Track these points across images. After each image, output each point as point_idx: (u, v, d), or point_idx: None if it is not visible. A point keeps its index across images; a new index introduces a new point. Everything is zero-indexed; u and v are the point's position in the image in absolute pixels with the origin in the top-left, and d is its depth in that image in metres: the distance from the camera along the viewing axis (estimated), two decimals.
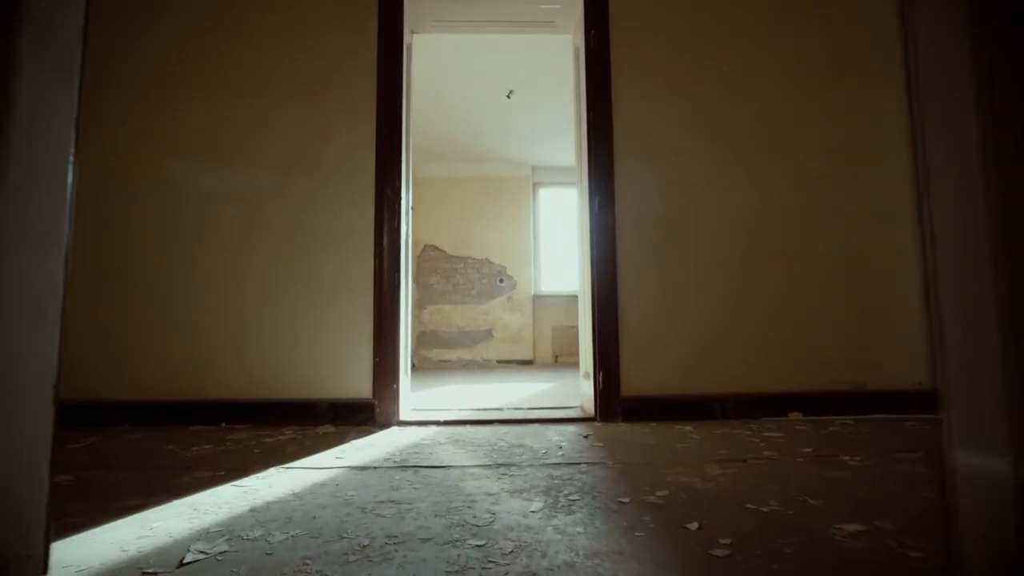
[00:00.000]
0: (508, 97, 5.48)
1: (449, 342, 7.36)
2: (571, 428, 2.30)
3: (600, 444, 1.96)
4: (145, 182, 2.51)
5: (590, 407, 2.53)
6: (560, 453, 1.82)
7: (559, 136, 6.69)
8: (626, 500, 1.31)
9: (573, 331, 7.44)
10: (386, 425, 2.38)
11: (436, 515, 1.22)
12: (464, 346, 7.36)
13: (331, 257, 2.48)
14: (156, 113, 2.54)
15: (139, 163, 2.52)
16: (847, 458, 1.68)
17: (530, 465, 1.66)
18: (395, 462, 1.73)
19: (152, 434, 2.19)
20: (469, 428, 2.32)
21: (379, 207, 2.49)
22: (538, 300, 7.54)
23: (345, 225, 2.50)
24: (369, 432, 2.25)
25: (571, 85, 5.45)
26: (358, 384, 2.43)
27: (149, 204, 2.50)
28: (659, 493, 1.36)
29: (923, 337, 2.57)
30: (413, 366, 7.03)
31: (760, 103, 2.64)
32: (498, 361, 7.33)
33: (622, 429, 2.25)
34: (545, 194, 7.84)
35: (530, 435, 2.15)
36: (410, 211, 2.71)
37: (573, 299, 7.51)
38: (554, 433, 2.19)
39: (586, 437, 2.10)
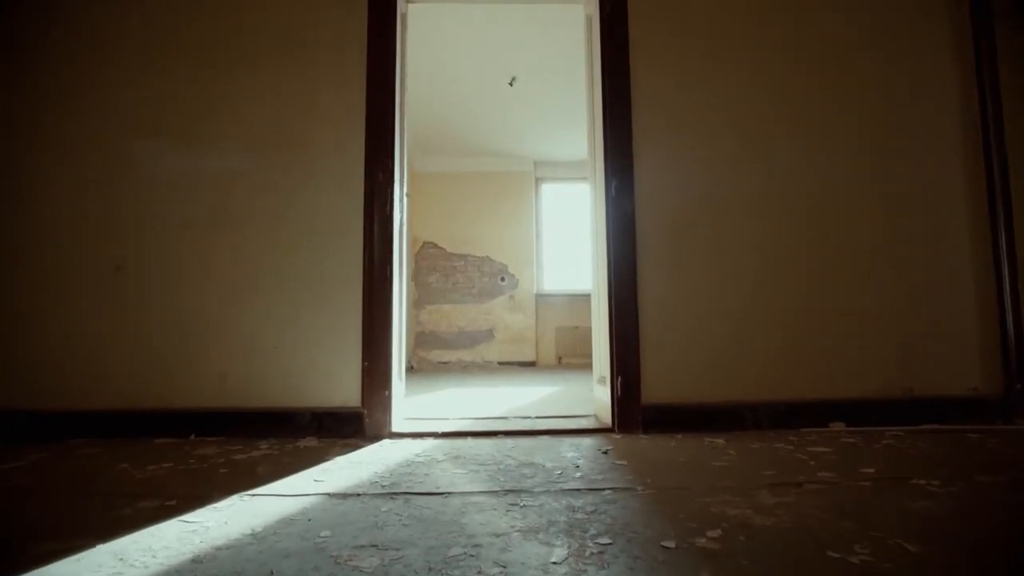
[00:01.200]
0: (510, 85, 5.21)
1: (449, 343, 7.08)
2: (587, 441, 2.02)
3: (623, 462, 1.69)
4: (101, 168, 2.24)
5: (606, 416, 2.25)
6: (578, 475, 1.55)
7: (563, 129, 6.42)
8: (671, 544, 1.03)
9: (577, 331, 7.17)
10: (376, 437, 2.10)
11: (430, 568, 0.95)
12: (464, 347, 7.09)
13: (314, 249, 2.21)
14: (111, 89, 2.27)
15: (94, 146, 2.24)
16: (923, 482, 1.41)
17: (544, 491, 1.39)
18: (383, 487, 1.46)
19: (109, 449, 1.92)
20: (470, 441, 2.05)
21: (369, 192, 2.21)
22: (541, 299, 7.27)
23: (330, 213, 2.22)
24: (357, 446, 1.97)
25: (577, 73, 5.20)
26: (345, 391, 2.15)
27: (106, 191, 2.23)
28: (710, 533, 1.08)
29: (977, 338, 2.30)
30: (411, 368, 6.76)
31: (801, 76, 2.36)
32: (499, 363, 7.06)
33: (644, 443, 1.98)
34: (548, 190, 7.57)
35: (541, 450, 1.88)
36: (405, 198, 2.44)
37: (577, 298, 7.24)
38: (568, 448, 1.92)
39: (605, 453, 1.83)
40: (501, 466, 1.67)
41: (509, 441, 2.04)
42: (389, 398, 2.15)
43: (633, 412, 2.15)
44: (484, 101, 5.68)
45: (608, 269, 2.24)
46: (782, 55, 2.36)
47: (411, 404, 3.05)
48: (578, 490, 1.40)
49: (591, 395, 3.36)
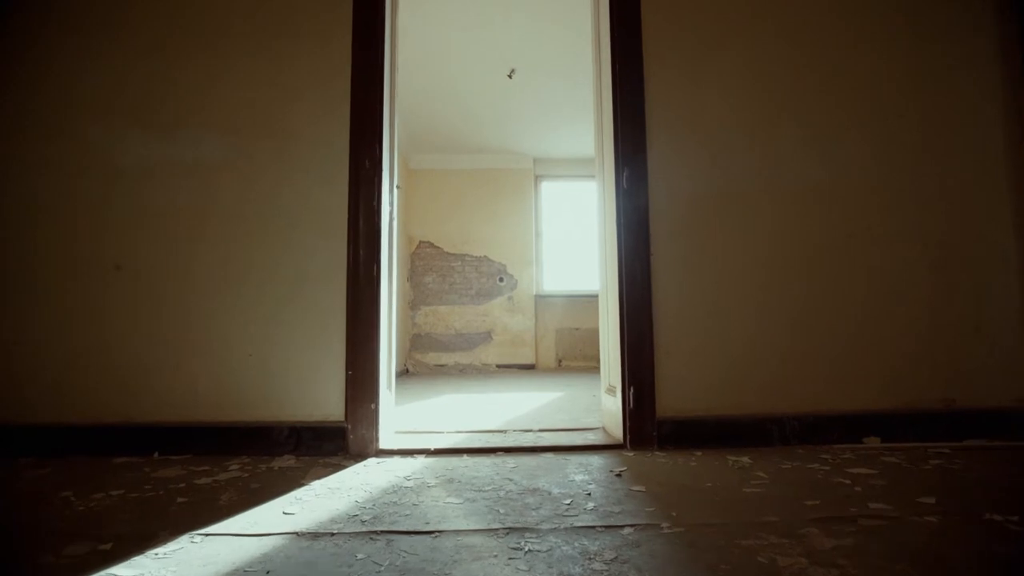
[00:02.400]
0: (509, 77, 5.00)
1: (445, 345, 6.87)
2: (596, 460, 1.81)
3: (640, 488, 1.47)
4: (58, 158, 2.01)
5: (616, 429, 2.04)
6: (591, 505, 1.33)
7: (564, 124, 6.21)
8: None
9: (578, 333, 6.96)
10: (361, 455, 1.89)
11: None
12: (461, 349, 6.88)
13: (293, 244, 1.99)
14: (75, 71, 2.05)
15: (55, 133, 2.02)
16: (998, 519, 1.20)
17: (552, 529, 1.18)
18: (363, 522, 1.24)
19: (60, 470, 1.70)
20: (467, 460, 1.83)
21: (354, 182, 2.00)
22: (541, 300, 7.06)
23: (311, 204, 2.00)
24: (338, 467, 1.76)
25: (579, 64, 4.99)
26: (327, 404, 1.94)
27: (66, 184, 2.00)
28: None
29: None
30: (406, 371, 6.54)
31: (830, 56, 2.15)
32: (498, 366, 6.84)
33: (661, 462, 1.77)
34: (548, 187, 7.36)
35: (546, 471, 1.66)
36: (395, 190, 2.22)
37: (577, 299, 7.03)
38: (576, 468, 1.70)
39: (619, 475, 1.62)
40: (501, 493, 1.45)
41: (510, 460, 1.82)
42: (376, 411, 1.93)
43: (647, 426, 1.94)
44: (482, 95, 5.46)
45: (619, 268, 2.03)
46: (817, 24, 2.15)
47: (403, 413, 2.83)
48: (592, 527, 1.18)
49: (595, 401, 3.15)
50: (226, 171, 2.01)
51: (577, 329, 7.03)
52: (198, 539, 1.14)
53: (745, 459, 1.78)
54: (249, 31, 2.07)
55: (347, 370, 1.92)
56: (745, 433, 1.97)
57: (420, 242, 7.04)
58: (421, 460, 1.84)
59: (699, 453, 1.87)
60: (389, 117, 2.16)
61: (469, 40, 4.55)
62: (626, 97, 2.05)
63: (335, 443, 1.90)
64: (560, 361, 6.99)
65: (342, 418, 1.92)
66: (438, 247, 7.06)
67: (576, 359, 6.99)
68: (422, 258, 7.02)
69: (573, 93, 5.43)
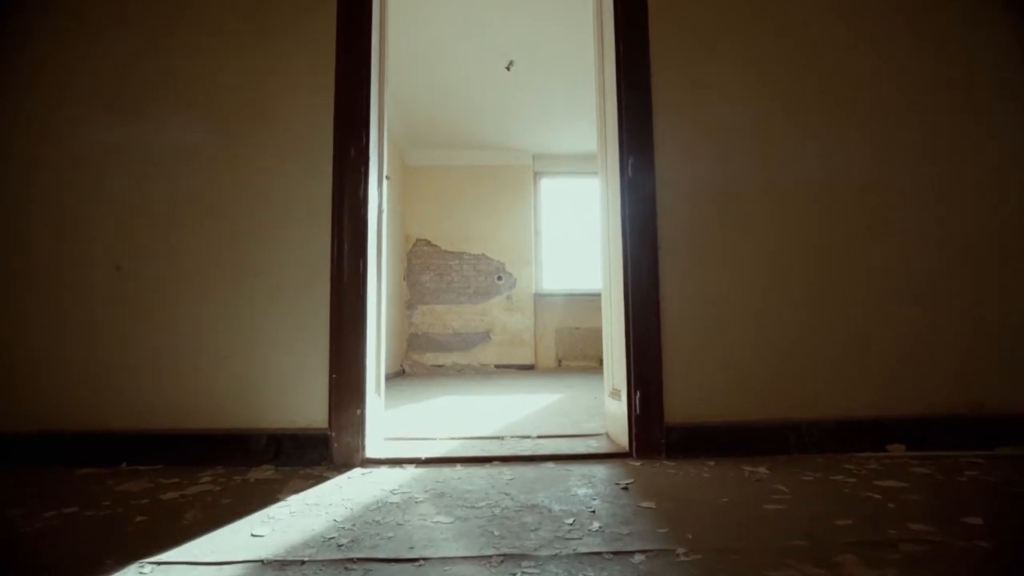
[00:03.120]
0: (508, 69, 4.86)
1: (442, 345, 6.73)
2: (600, 471, 1.67)
3: (650, 504, 1.33)
4: (23, 143, 1.87)
5: (622, 436, 1.90)
6: (596, 525, 1.19)
7: (565, 120, 6.07)
8: None
9: (578, 333, 6.83)
10: (346, 465, 1.74)
11: None
12: (459, 349, 6.74)
13: (272, 238, 1.85)
14: (29, 49, 1.90)
15: (14, 118, 1.88)
16: None
17: (553, 556, 1.03)
18: (340, 546, 1.10)
19: (18, 482, 1.56)
20: (460, 471, 1.69)
21: (338, 172, 1.85)
22: (540, 299, 6.92)
23: (292, 195, 1.86)
24: (320, 478, 1.62)
25: (581, 56, 4.82)
26: (309, 410, 1.79)
27: (26, 171, 1.86)
28: None
29: None
30: (402, 372, 6.40)
31: (863, 30, 2.01)
32: (496, 366, 6.71)
33: (672, 473, 1.63)
34: (548, 184, 7.22)
35: (546, 484, 1.52)
36: (384, 180, 2.08)
37: (578, 298, 6.89)
38: (579, 480, 1.56)
39: (626, 489, 1.48)
40: (496, 510, 1.31)
41: (507, 470, 1.68)
42: (362, 417, 1.79)
43: (654, 433, 1.80)
44: (479, 87, 5.32)
45: (624, 265, 1.88)
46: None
47: (396, 417, 2.69)
48: (598, 554, 1.04)
49: (596, 404, 3.01)
50: (193, 159, 1.87)
51: (577, 328, 6.90)
52: (148, 568, 1.00)
53: (762, 469, 1.64)
54: (224, 9, 1.92)
55: (331, 373, 1.78)
56: (760, 440, 1.83)
57: (417, 240, 6.90)
58: (410, 471, 1.70)
59: (711, 463, 1.73)
60: (378, 103, 2.02)
61: (467, 33, 4.41)
62: (632, 84, 1.91)
63: (317, 452, 1.76)
64: (560, 361, 6.85)
65: (325, 425, 1.78)
66: (435, 245, 6.92)
67: (576, 359, 6.86)
68: (419, 256, 6.88)
69: (573, 87, 5.30)
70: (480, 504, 1.36)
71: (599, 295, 7.12)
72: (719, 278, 1.90)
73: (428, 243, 6.92)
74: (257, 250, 1.84)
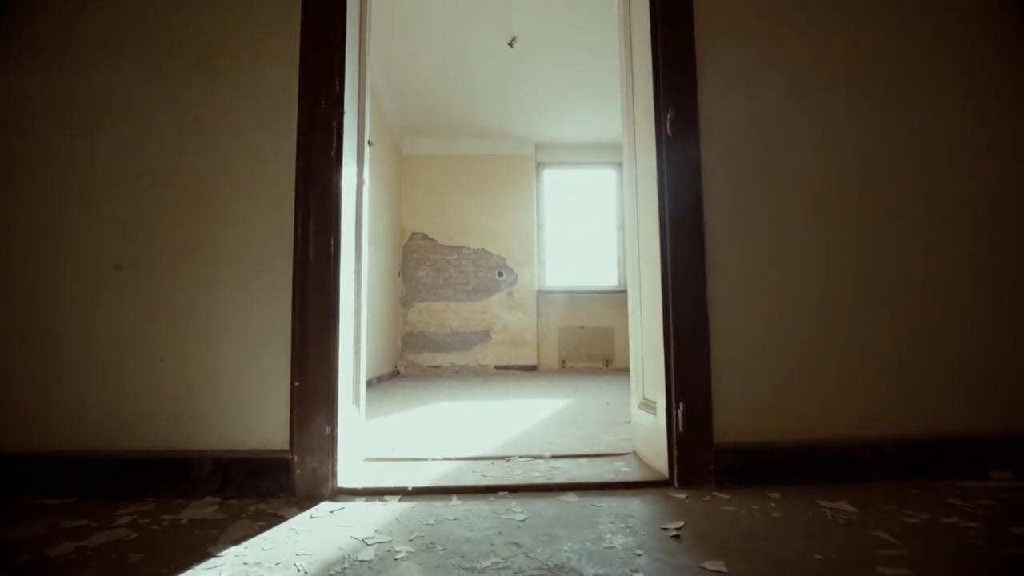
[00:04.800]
0: (510, 46, 4.48)
1: (440, 345, 6.35)
2: (637, 507, 1.29)
3: (719, 566, 0.96)
4: None
5: (657, 458, 1.53)
6: None
7: (570, 106, 5.70)
8: None
9: (583, 332, 6.46)
10: (312, 497, 1.37)
11: None
12: (457, 349, 6.36)
13: (219, 211, 1.47)
14: None
15: None
16: None
17: None
18: None
19: None
20: (456, 505, 1.32)
21: (304, 128, 1.48)
22: (543, 296, 6.55)
23: (245, 156, 1.49)
24: (274, 517, 1.24)
25: (590, 30, 4.45)
26: (265, 426, 1.42)
27: None
28: None
29: None
30: (397, 373, 6.03)
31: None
32: (497, 367, 6.33)
33: (730, 511, 1.26)
34: (551, 175, 6.85)
35: (569, 527, 1.15)
36: (367, 145, 1.71)
37: (583, 295, 6.52)
38: (612, 522, 1.19)
39: (677, 536, 1.10)
40: (505, 567, 0.94)
41: (516, 506, 1.31)
42: (332, 437, 1.41)
43: (702, 457, 1.43)
44: (479, 67, 4.94)
45: (662, 250, 1.51)
46: None
47: (382, 428, 2.31)
48: None
49: (609, 411, 2.64)
50: (138, 119, 1.49)
51: (582, 327, 6.53)
52: None
53: (845, 505, 1.27)
54: None
55: (292, 381, 1.41)
56: (830, 465, 1.46)
57: (413, 233, 6.53)
58: (393, 505, 1.33)
59: (775, 494, 1.36)
60: (358, 45, 1.65)
61: (467, 9, 4.04)
62: (671, 19, 1.53)
63: (275, 480, 1.38)
64: (564, 362, 6.48)
65: (285, 446, 1.40)
66: (432, 239, 6.54)
67: (581, 360, 6.49)
68: (415, 251, 6.51)
69: (580, 68, 4.92)
70: (484, 563, 0.99)
71: (605, 292, 6.79)
72: (784, 265, 1.52)
73: (425, 237, 6.54)
74: (203, 227, 1.47)
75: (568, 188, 6.89)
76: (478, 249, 6.54)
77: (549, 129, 6.36)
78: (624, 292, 6.54)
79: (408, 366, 6.22)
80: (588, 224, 6.79)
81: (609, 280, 6.73)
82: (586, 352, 6.48)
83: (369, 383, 4.59)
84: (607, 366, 6.45)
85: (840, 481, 1.45)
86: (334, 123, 1.48)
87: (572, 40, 4.48)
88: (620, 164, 6.81)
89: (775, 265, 1.52)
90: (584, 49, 4.56)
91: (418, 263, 6.49)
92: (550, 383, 4.63)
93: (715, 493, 1.39)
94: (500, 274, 6.51)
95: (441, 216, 6.57)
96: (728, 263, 1.51)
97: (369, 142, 1.78)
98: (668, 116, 1.50)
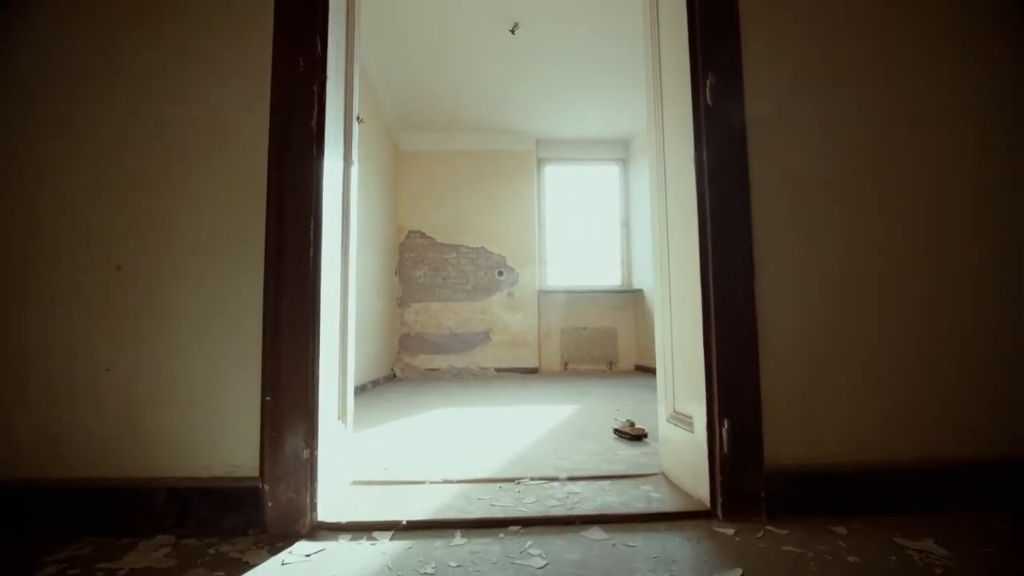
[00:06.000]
0: (512, 32, 4.26)
1: (438, 347, 6.12)
2: (677, 548, 1.07)
3: None
4: None
5: (694, 482, 1.30)
6: None
7: (573, 99, 5.47)
8: None
9: (586, 333, 6.24)
10: (286, 535, 1.14)
11: None
12: (456, 351, 6.13)
13: (180, 192, 1.24)
14: None
15: None
16: None
17: None
18: None
19: None
20: (460, 546, 1.09)
21: (279, 90, 1.25)
22: (544, 296, 6.33)
23: (213, 129, 1.26)
24: (239, 564, 1.01)
25: (592, 18, 4.23)
26: (231, 448, 1.19)
27: None
28: None
29: None
30: (394, 376, 5.79)
31: None
32: (497, 369, 6.11)
33: (793, 553, 1.03)
34: (552, 172, 6.63)
35: (596, 570, 0.93)
36: (357, 121, 1.49)
37: (585, 295, 6.30)
38: (650, 570, 0.96)
39: None
40: None
41: (532, 547, 1.08)
42: (312, 459, 1.18)
43: (751, 482, 1.20)
44: (478, 59, 4.72)
45: (701, 237, 1.28)
46: None
47: (375, 440, 2.08)
48: None
49: (617, 415, 2.40)
50: (83, 82, 1.26)
51: (584, 328, 6.31)
52: None
53: (932, 545, 1.05)
54: None
55: (263, 394, 1.18)
56: (898, 491, 1.24)
57: (410, 232, 6.29)
58: (384, 545, 1.10)
59: (841, 529, 1.14)
60: (347, 5, 1.42)
61: None
62: None
63: (243, 514, 1.15)
64: (566, 364, 6.26)
65: (255, 472, 1.17)
66: (430, 237, 6.31)
67: (584, 362, 6.27)
68: (412, 249, 6.28)
69: (584, 57, 4.71)
70: None
71: (609, 292, 6.55)
72: (835, 250, 1.30)
73: (422, 235, 6.31)
74: (159, 212, 1.24)
75: (570, 185, 6.67)
76: (477, 248, 6.32)
77: (550, 124, 6.15)
78: (628, 292, 6.32)
79: (405, 369, 5.99)
80: (591, 222, 6.58)
81: (612, 280, 6.52)
82: (589, 354, 6.26)
83: (364, 387, 4.36)
84: (611, 368, 6.24)
85: (909, 511, 1.22)
86: (315, 89, 1.25)
87: (575, 28, 4.26)
88: (624, 160, 6.59)
89: (829, 256, 1.30)
90: (587, 37, 4.34)
91: (415, 262, 6.26)
92: (553, 387, 4.41)
93: (768, 527, 1.16)
94: (500, 273, 6.29)
95: (439, 214, 6.34)
96: (778, 253, 1.28)
97: (359, 118, 1.56)
98: (709, 83, 1.28)
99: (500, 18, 4.15)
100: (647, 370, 5.86)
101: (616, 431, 2.11)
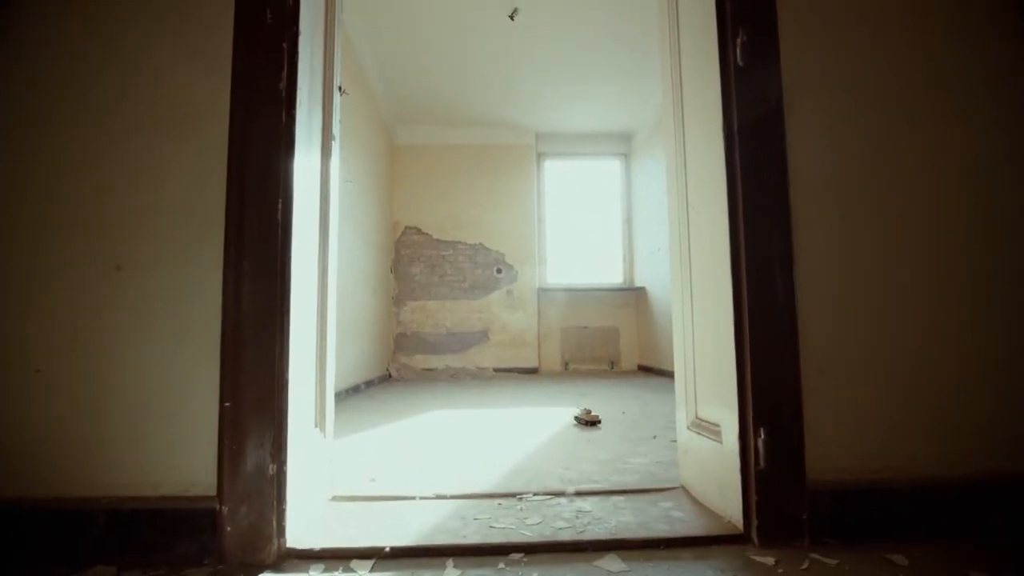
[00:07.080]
0: (511, 18, 4.08)
1: (434, 346, 5.95)
2: None
3: None
4: None
5: (720, 500, 1.13)
6: None
7: (575, 92, 5.30)
8: None
9: (586, 332, 6.07)
10: (250, 566, 0.97)
11: None
12: (453, 351, 5.96)
13: (127, 168, 1.07)
14: None
15: None
16: None
17: None
18: None
19: None
20: None
21: (242, 49, 1.08)
22: (544, 294, 6.16)
23: (168, 92, 1.08)
24: None
25: (591, 19, 4.07)
26: (184, 462, 1.01)
27: None
28: None
29: None
30: (389, 376, 5.61)
31: None
32: (495, 369, 5.94)
33: None
34: (552, 167, 6.46)
35: None
36: (338, 91, 1.32)
37: (586, 293, 6.14)
38: None
39: None
40: None
41: None
42: (280, 475, 1.01)
43: (792, 502, 1.03)
44: (477, 50, 4.54)
45: (731, 222, 1.11)
46: None
47: (362, 446, 1.90)
48: None
49: (625, 421, 2.22)
50: (22, 43, 1.09)
51: (585, 327, 6.14)
52: None
53: None
54: None
55: (222, 400, 1.00)
56: (963, 512, 1.07)
57: (406, 228, 6.12)
58: None
59: (900, 559, 0.97)
60: None
61: None
62: None
63: (197, 541, 0.98)
64: (566, 364, 6.09)
65: (211, 491, 1.00)
66: (426, 233, 6.13)
67: (584, 362, 6.10)
68: (408, 246, 6.10)
69: (583, 53, 4.54)
70: None
71: (610, 290, 6.36)
72: (886, 237, 1.13)
73: (418, 231, 6.13)
74: (102, 189, 1.06)
75: (570, 180, 6.50)
76: (475, 244, 6.15)
77: (551, 117, 5.97)
78: (630, 290, 6.15)
79: (401, 369, 5.81)
80: (592, 218, 6.41)
81: (614, 277, 6.35)
82: (590, 353, 6.09)
83: (356, 388, 4.18)
84: (612, 368, 6.07)
85: (973, 532, 1.06)
86: (284, 46, 1.08)
87: (576, 15, 4.09)
88: (626, 155, 6.42)
89: (878, 242, 1.13)
90: (589, 25, 4.17)
91: (411, 259, 6.08)
92: (554, 388, 4.24)
93: (813, 555, 0.99)
94: (499, 271, 6.11)
95: (436, 209, 6.17)
96: (820, 236, 1.11)
97: (340, 88, 1.38)
98: (740, 41, 1.11)
99: (499, 5, 3.97)
100: (650, 370, 5.70)
101: (576, 418, 2.39)
